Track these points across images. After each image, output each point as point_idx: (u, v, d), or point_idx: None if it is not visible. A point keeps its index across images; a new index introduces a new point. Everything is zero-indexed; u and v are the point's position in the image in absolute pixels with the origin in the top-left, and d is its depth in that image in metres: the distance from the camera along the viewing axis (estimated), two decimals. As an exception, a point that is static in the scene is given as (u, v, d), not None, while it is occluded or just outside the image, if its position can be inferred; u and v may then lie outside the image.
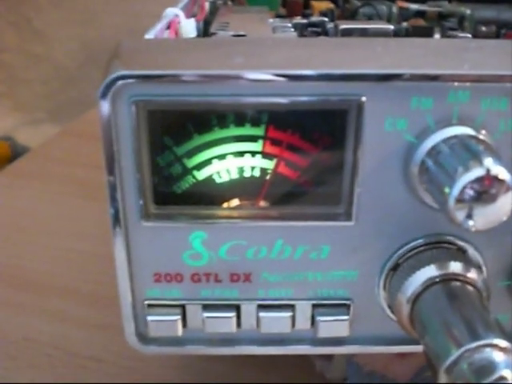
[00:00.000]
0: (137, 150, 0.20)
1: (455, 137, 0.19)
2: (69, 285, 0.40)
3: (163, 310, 0.23)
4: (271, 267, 0.22)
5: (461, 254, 0.22)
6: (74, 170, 0.55)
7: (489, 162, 0.18)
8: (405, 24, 0.39)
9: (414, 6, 0.42)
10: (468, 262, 0.21)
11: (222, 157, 0.21)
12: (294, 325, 0.23)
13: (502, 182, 0.18)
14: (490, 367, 0.17)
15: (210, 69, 0.19)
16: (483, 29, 0.37)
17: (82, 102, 1.11)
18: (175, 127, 0.21)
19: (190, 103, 0.20)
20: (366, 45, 0.21)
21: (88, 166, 0.52)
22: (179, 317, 0.23)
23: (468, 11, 0.39)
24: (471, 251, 0.22)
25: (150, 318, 0.23)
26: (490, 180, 0.17)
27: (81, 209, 0.48)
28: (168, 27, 0.27)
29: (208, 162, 0.21)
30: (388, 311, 0.23)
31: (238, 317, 0.23)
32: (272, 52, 0.20)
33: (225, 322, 0.23)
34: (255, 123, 0.21)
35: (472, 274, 0.21)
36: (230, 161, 0.21)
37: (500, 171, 0.17)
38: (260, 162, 0.21)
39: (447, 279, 0.20)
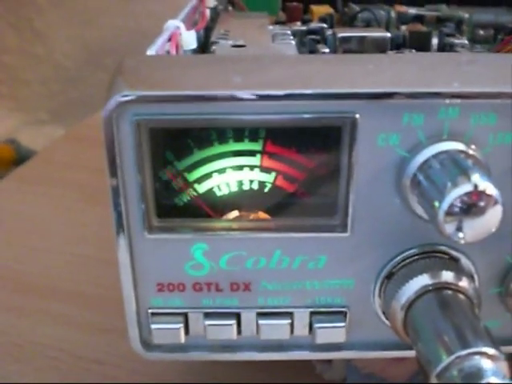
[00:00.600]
0: (140, 165, 0.21)
1: (445, 152, 0.20)
2: (72, 289, 0.40)
3: (166, 319, 0.24)
4: (270, 276, 0.23)
5: (453, 264, 0.22)
6: (78, 174, 0.55)
7: (476, 177, 0.18)
8: (403, 28, 0.39)
9: (413, 11, 0.43)
10: (460, 271, 0.22)
11: (221, 171, 0.22)
12: (292, 331, 0.24)
13: (489, 196, 0.18)
14: (478, 374, 0.18)
15: (209, 89, 0.20)
16: (481, 32, 0.38)
17: (83, 103, 1.12)
18: (176, 143, 0.21)
19: (190, 121, 0.21)
20: (360, 62, 0.22)
21: (91, 171, 0.53)
22: (182, 325, 0.24)
23: (466, 15, 0.40)
24: (463, 260, 0.23)
25: (153, 326, 0.24)
26: (477, 195, 0.18)
27: (84, 213, 0.49)
28: (169, 39, 0.28)
29: (208, 175, 0.22)
30: (383, 318, 0.24)
31: (239, 324, 0.24)
32: (269, 70, 0.21)
33: (226, 329, 0.24)
34: (253, 139, 0.21)
35: (463, 283, 0.21)
36: (229, 174, 0.22)
37: (487, 186, 0.18)
38: (258, 176, 0.22)
39: (439, 288, 0.21)
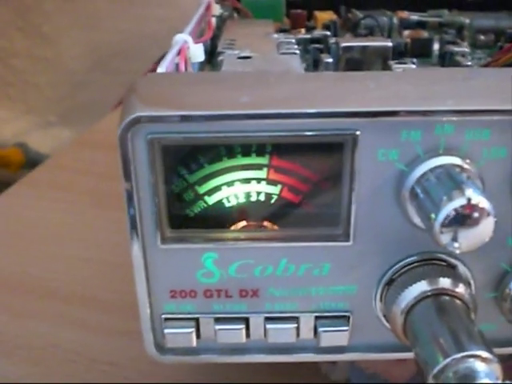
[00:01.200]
0: (153, 179, 0.22)
1: (441, 166, 0.21)
2: (87, 293, 0.41)
3: (179, 323, 0.25)
4: (277, 283, 0.24)
5: (450, 270, 0.23)
6: (90, 179, 0.56)
7: (470, 192, 0.19)
8: (406, 33, 0.40)
9: (414, 17, 0.44)
10: (457, 278, 0.23)
11: (230, 183, 0.23)
12: (298, 335, 0.25)
13: (482, 209, 0.20)
14: (472, 376, 0.19)
15: (219, 109, 0.21)
16: (482, 37, 0.39)
17: (91, 106, 1.13)
18: (187, 158, 0.23)
19: (201, 138, 0.22)
20: (361, 80, 0.23)
21: (103, 176, 0.54)
22: (193, 329, 0.25)
23: (467, 21, 0.40)
24: (460, 267, 0.24)
25: (166, 330, 0.25)
26: (471, 208, 0.19)
27: (97, 218, 0.50)
28: (178, 53, 0.29)
29: (218, 188, 0.23)
30: (384, 322, 0.25)
31: (247, 328, 0.25)
32: (274, 89, 0.22)
33: (235, 333, 0.25)
34: (260, 153, 0.23)
35: (460, 289, 0.22)
36: (237, 187, 0.23)
37: (480, 200, 0.19)
38: (265, 188, 0.23)
39: (437, 294, 0.22)
